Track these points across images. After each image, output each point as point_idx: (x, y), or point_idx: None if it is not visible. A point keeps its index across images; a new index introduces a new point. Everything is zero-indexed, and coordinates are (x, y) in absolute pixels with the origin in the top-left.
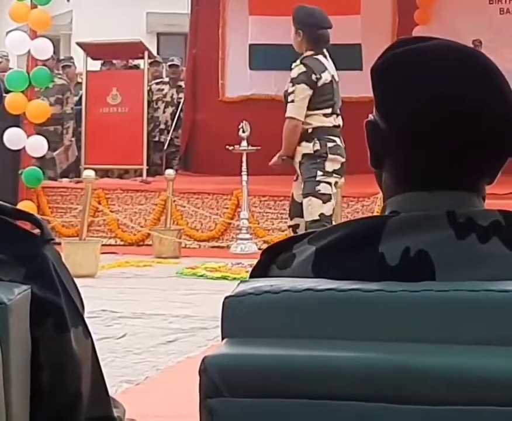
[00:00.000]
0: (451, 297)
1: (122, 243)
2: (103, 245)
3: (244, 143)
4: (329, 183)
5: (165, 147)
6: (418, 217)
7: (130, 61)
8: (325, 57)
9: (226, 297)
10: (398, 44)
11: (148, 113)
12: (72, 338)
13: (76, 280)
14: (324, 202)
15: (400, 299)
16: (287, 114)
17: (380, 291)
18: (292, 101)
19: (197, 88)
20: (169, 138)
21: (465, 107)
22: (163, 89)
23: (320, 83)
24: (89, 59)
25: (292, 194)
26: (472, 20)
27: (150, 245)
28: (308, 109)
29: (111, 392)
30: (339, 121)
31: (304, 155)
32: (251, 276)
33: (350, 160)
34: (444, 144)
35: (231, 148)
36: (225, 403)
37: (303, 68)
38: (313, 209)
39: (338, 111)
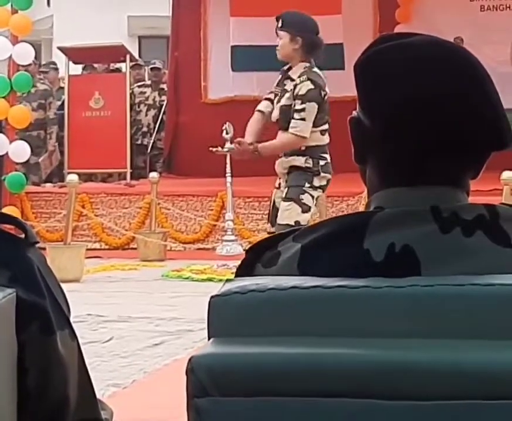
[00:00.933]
0: (437, 292)
1: (107, 247)
2: (87, 249)
3: (228, 144)
4: (313, 197)
5: (149, 150)
6: (403, 212)
7: (112, 64)
8: (318, 67)
9: (212, 297)
10: (381, 41)
11: (131, 116)
12: (58, 341)
13: (62, 285)
14: (302, 211)
15: (386, 295)
16: (298, 133)
17: (366, 287)
18: (303, 119)
19: (180, 90)
20: (152, 141)
21: (448, 103)
22: (145, 92)
23: (325, 100)
24: (71, 63)
25: (274, 201)
26: (453, 17)
27: (135, 248)
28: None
29: (98, 395)
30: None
31: (293, 166)
32: (236, 275)
33: (334, 159)
34: (427, 139)
35: (214, 149)
36: (212, 403)
37: (311, 85)
38: (291, 214)
39: None
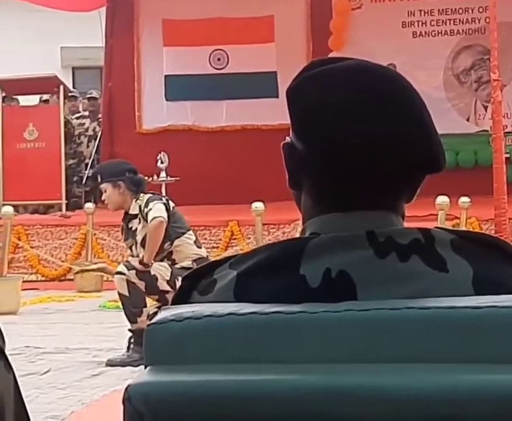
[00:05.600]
0: (372, 316)
1: (43, 279)
2: (24, 281)
3: (163, 174)
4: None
5: (83, 181)
6: (338, 237)
7: (47, 95)
8: None
9: (148, 325)
10: (313, 65)
11: (71, 148)
12: None
13: None
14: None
15: (322, 320)
16: (156, 215)
17: (303, 313)
18: (151, 209)
19: (114, 120)
20: (87, 171)
21: (381, 129)
22: (84, 123)
23: (170, 206)
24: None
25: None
26: (386, 44)
27: (72, 279)
28: None
29: None
30: None
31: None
32: (173, 303)
33: (269, 187)
34: (360, 164)
35: (150, 179)
36: None
37: (147, 196)
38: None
39: None
